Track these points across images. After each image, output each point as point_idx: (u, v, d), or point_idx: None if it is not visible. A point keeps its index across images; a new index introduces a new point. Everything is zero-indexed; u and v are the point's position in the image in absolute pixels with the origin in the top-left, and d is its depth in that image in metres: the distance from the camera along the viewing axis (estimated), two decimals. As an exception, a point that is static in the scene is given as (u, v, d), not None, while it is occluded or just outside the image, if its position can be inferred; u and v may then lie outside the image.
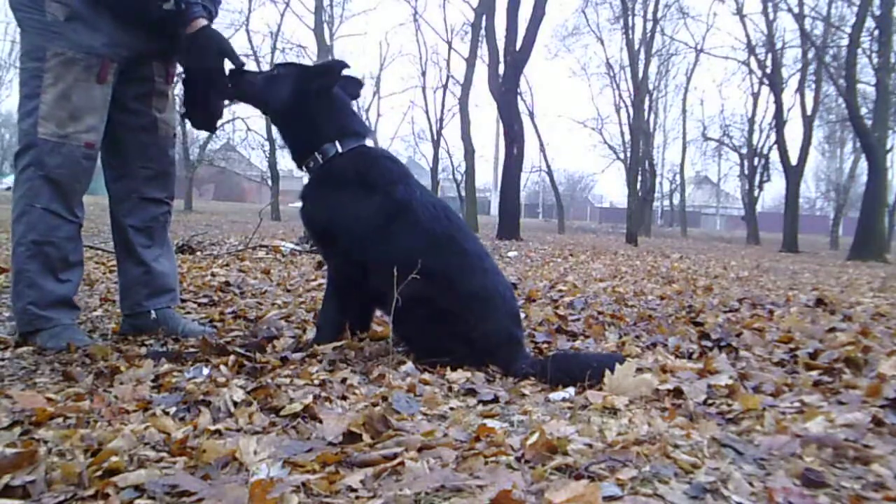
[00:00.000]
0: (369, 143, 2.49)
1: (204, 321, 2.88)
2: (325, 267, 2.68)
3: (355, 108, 2.55)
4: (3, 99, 35.87)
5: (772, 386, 1.95)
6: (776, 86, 20.10)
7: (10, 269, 2.37)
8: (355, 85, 2.60)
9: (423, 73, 26.18)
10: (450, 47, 23.82)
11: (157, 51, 2.48)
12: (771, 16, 19.84)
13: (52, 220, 2.28)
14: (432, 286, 2.13)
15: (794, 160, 19.15)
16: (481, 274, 2.27)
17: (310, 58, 23.84)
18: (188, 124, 2.58)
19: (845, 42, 16.21)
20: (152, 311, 2.59)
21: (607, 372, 1.89)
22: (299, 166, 2.47)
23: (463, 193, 22.14)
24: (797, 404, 1.76)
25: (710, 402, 1.80)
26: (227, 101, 2.65)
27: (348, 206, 2.32)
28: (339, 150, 2.35)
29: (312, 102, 2.37)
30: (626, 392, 1.82)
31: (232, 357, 2.11)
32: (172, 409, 1.62)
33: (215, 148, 27.94)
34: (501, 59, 14.53)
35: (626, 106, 25.27)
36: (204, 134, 26.60)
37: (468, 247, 2.31)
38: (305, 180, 2.50)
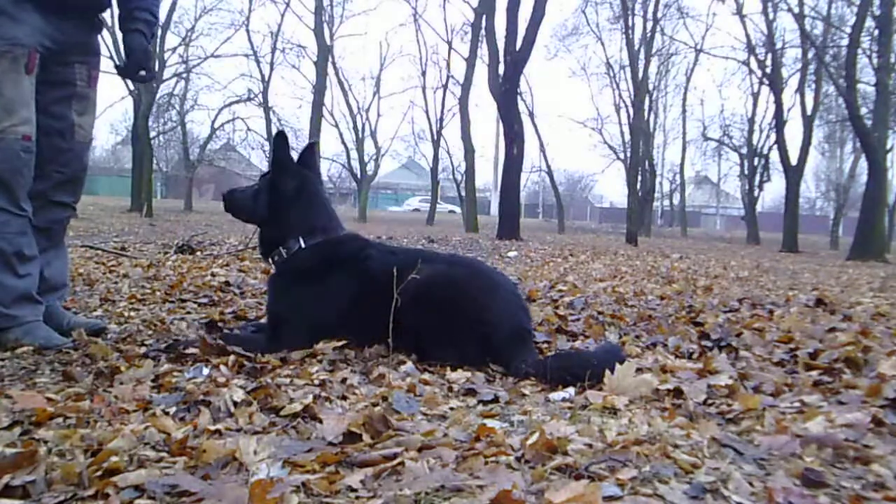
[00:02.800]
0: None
1: (204, 321, 2.89)
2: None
3: (329, 205, 2.58)
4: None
5: (772, 386, 1.95)
6: (776, 86, 20.07)
7: None
8: (309, 152, 2.63)
9: (423, 73, 26.21)
10: (450, 47, 23.84)
11: (80, 45, 2.49)
12: (771, 16, 19.80)
13: (1, 216, 2.29)
14: (443, 286, 2.26)
15: (794, 160, 19.12)
16: (489, 275, 2.43)
17: (310, 58, 23.84)
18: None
19: (845, 42, 16.17)
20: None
21: (607, 372, 1.89)
22: (265, 259, 2.55)
23: (463, 193, 22.14)
24: (797, 404, 1.76)
25: (710, 402, 1.80)
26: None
27: (310, 294, 2.36)
28: (302, 245, 2.42)
29: (286, 203, 2.45)
30: (626, 392, 1.82)
31: (232, 357, 2.12)
32: (172, 409, 1.62)
33: (215, 148, 27.89)
34: (501, 59, 14.49)
35: (626, 106, 25.22)
36: (204, 134, 26.65)
37: (476, 263, 2.52)
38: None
